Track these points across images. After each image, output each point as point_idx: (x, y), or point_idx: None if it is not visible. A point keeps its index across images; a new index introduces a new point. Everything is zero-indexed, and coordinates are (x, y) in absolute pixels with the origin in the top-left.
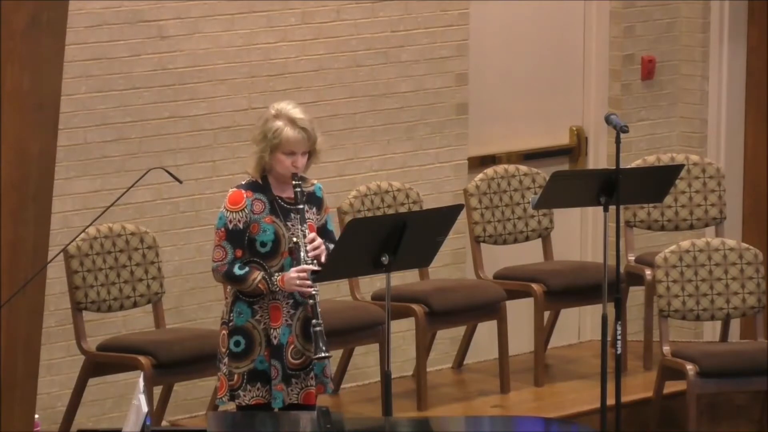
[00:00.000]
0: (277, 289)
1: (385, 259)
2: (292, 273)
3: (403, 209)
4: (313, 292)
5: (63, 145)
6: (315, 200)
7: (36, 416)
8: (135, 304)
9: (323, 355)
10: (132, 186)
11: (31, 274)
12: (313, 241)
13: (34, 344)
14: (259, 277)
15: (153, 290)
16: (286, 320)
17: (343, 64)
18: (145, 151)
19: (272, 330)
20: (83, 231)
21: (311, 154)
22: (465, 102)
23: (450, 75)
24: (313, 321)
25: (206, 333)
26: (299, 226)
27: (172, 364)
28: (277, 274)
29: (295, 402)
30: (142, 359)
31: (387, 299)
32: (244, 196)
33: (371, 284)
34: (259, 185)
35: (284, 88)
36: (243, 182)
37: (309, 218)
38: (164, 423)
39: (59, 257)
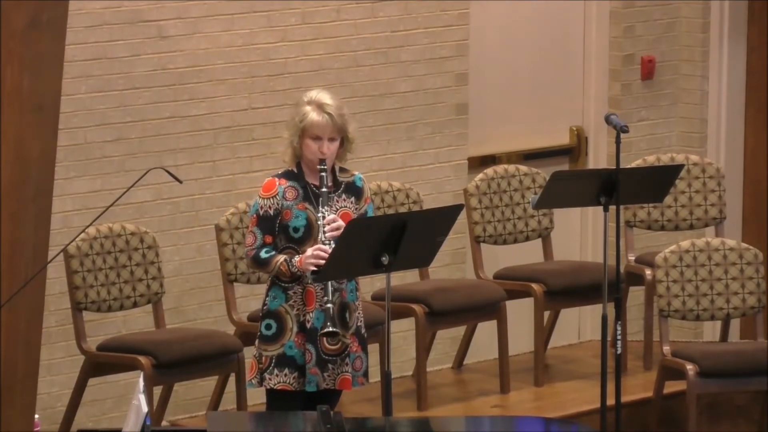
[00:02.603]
0: (296, 270)
1: (385, 259)
2: (308, 252)
3: (403, 209)
4: None
5: (63, 145)
6: (354, 190)
7: (36, 416)
8: (135, 304)
9: (329, 330)
10: (132, 186)
11: (31, 274)
12: (332, 222)
13: (34, 344)
14: (281, 260)
15: (153, 290)
16: (320, 305)
17: (343, 64)
18: (145, 151)
19: (307, 314)
20: (83, 231)
21: (344, 143)
22: (465, 102)
23: (450, 75)
24: (324, 298)
25: (206, 333)
26: (321, 209)
27: (172, 364)
28: (297, 256)
29: (331, 387)
30: (142, 359)
31: (387, 299)
32: (277, 183)
33: (371, 284)
34: (294, 173)
35: (284, 88)
36: (280, 171)
37: (345, 207)
38: (164, 423)
39: (59, 257)
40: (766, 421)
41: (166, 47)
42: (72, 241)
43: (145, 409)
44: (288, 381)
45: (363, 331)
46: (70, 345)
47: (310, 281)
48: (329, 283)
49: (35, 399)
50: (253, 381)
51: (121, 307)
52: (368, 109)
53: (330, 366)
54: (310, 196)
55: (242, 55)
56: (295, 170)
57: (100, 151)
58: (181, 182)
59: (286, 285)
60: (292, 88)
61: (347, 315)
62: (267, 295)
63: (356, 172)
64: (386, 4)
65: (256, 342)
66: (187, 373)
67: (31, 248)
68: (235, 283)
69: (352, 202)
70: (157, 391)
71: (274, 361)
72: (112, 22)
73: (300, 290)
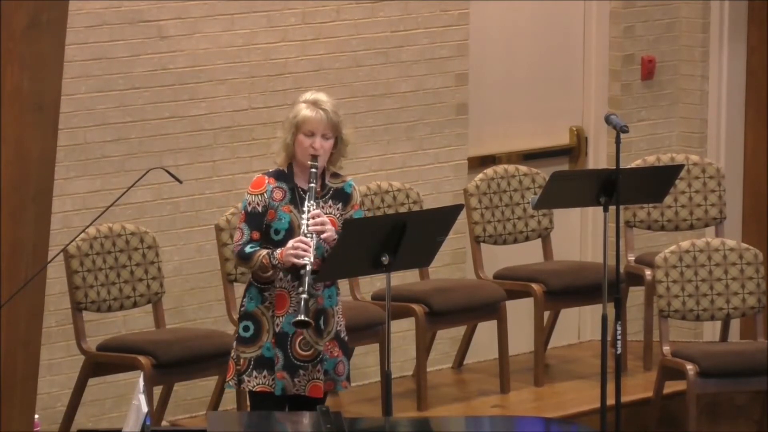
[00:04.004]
0: (277, 262)
1: (385, 259)
2: (289, 244)
3: (403, 209)
4: (305, 262)
5: (63, 145)
6: (342, 196)
7: (36, 416)
8: (135, 304)
9: (301, 318)
10: (132, 186)
11: (31, 274)
12: (316, 217)
13: (34, 344)
14: (263, 254)
15: (153, 290)
16: (293, 308)
17: (343, 64)
18: (145, 151)
19: (276, 318)
20: (83, 231)
21: (337, 143)
22: (465, 102)
23: (450, 75)
24: (300, 289)
25: (206, 333)
26: (306, 203)
27: (172, 364)
28: (279, 249)
29: (302, 394)
30: (142, 359)
31: (387, 299)
32: (266, 181)
33: (371, 284)
34: (284, 174)
35: (284, 88)
36: (271, 170)
37: (330, 213)
38: (164, 423)
39: (59, 257)
40: (766, 421)
41: (166, 47)
42: (72, 241)
43: (145, 409)
44: (266, 383)
45: (343, 335)
46: (70, 345)
47: (285, 286)
48: (308, 274)
49: (35, 399)
50: (230, 383)
51: (121, 307)
52: (368, 109)
53: (301, 372)
54: (297, 199)
55: (242, 55)
56: (285, 171)
57: (100, 151)
58: (181, 182)
59: (262, 286)
60: (292, 88)
61: (322, 322)
62: (244, 296)
63: (348, 178)
64: (386, 4)
65: (234, 343)
66: (187, 373)
67: (31, 248)
68: (235, 283)
69: (338, 209)
70: (157, 391)
71: (252, 363)
72: (112, 22)
73: (273, 292)
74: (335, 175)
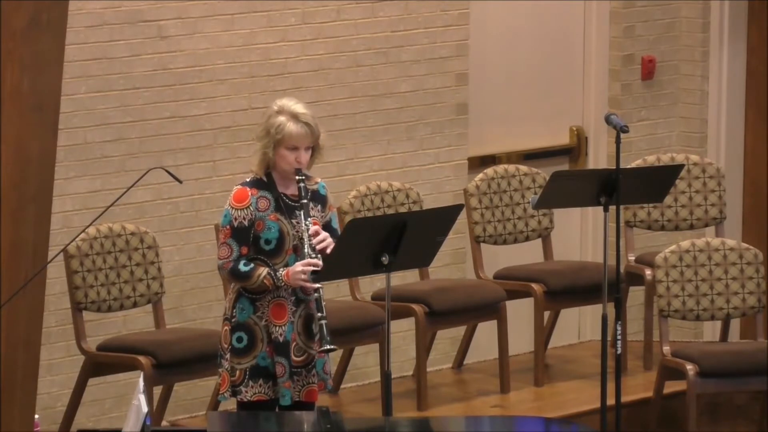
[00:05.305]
0: (282, 284)
1: (385, 259)
2: (297, 267)
3: (403, 209)
4: (318, 286)
5: (63, 145)
6: (319, 198)
7: (36, 416)
8: (135, 304)
9: (328, 347)
10: (132, 186)
11: (31, 274)
12: (317, 234)
13: (34, 344)
14: (264, 273)
15: (153, 290)
16: (290, 317)
17: (343, 64)
18: (145, 151)
19: (276, 327)
20: (83, 231)
21: (314, 150)
22: (465, 102)
23: (450, 75)
24: (318, 314)
25: (206, 333)
26: (303, 221)
27: (172, 364)
28: (282, 269)
29: (298, 399)
30: (142, 359)
31: (387, 299)
32: (249, 193)
33: (371, 284)
34: (264, 183)
35: (284, 88)
36: (247, 179)
37: (314, 216)
38: (164, 423)
39: (59, 257)
40: (766, 421)
41: (166, 47)
42: (72, 241)
43: (145, 409)
44: (263, 391)
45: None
46: (70, 345)
47: (283, 294)
48: (321, 297)
49: (35, 399)
50: (225, 395)
51: (121, 307)
52: (368, 109)
53: (295, 378)
54: (282, 206)
55: (242, 55)
56: (264, 179)
57: (100, 151)
58: (181, 182)
59: (254, 296)
60: (292, 88)
61: (313, 325)
62: (234, 307)
63: (319, 179)
64: (386, 4)
65: (227, 355)
66: (187, 373)
67: (31, 248)
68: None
69: (318, 211)
70: (157, 391)
71: (247, 373)
72: (112, 22)
73: (267, 302)
74: (306, 177)
